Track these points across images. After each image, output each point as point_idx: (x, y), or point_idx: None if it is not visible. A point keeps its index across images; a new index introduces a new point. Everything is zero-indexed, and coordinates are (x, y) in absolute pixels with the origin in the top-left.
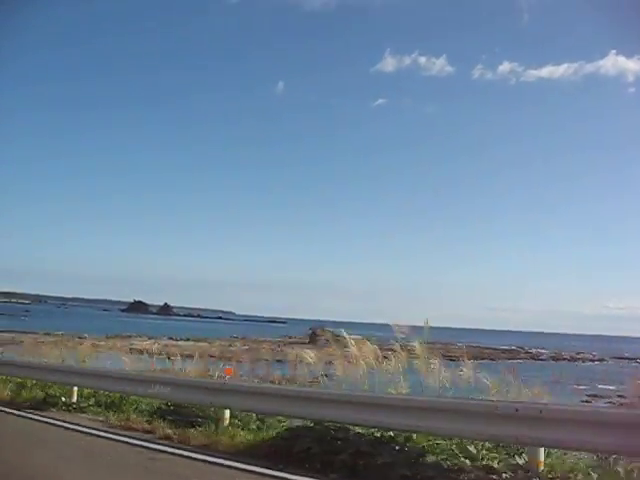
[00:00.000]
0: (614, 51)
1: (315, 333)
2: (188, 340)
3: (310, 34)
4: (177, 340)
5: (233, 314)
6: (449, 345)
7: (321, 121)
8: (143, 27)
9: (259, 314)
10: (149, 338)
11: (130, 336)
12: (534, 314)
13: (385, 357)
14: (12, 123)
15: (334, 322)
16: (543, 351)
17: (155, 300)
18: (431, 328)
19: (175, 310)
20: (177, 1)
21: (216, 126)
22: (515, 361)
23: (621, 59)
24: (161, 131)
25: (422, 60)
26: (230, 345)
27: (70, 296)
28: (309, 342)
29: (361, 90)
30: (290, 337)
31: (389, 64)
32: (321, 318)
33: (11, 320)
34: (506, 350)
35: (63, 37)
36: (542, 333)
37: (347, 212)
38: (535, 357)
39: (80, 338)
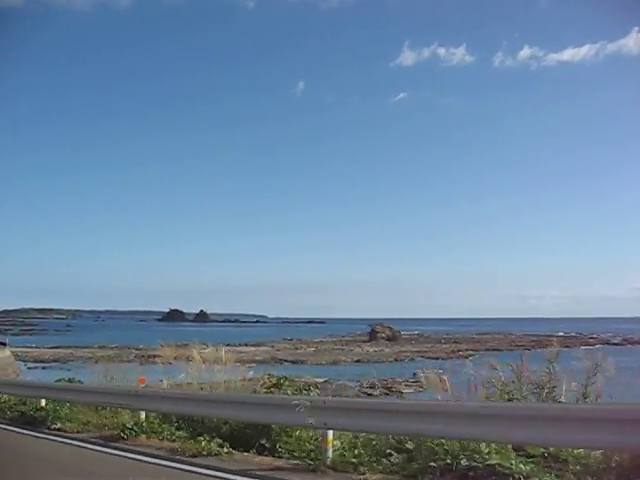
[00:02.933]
0: (637, 28)
1: (375, 330)
2: (246, 345)
3: (328, 33)
4: (236, 346)
5: (266, 317)
6: (507, 335)
7: (343, 119)
8: (163, 34)
9: (291, 316)
10: (207, 346)
11: (186, 345)
12: (562, 300)
13: None
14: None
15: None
16: (609, 336)
17: (190, 308)
18: (464, 319)
19: (211, 317)
20: (196, 9)
21: (240, 131)
22: (596, 347)
23: None
24: (190, 139)
25: (441, 51)
26: (296, 348)
27: (104, 309)
28: (369, 340)
29: (381, 85)
30: (343, 336)
31: (408, 57)
32: (355, 316)
33: (60, 336)
34: (570, 337)
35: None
36: (574, 318)
37: (375, 210)
38: (609, 342)
39: (137, 349)
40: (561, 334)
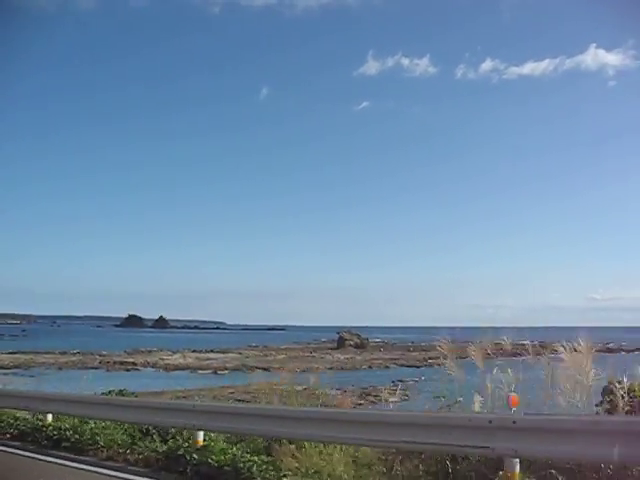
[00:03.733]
0: (594, 45)
1: (343, 337)
2: (212, 352)
3: (293, 41)
4: (202, 352)
5: (225, 324)
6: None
7: (306, 126)
8: (127, 43)
9: (250, 322)
10: (173, 352)
11: (151, 351)
12: (518, 310)
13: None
14: None
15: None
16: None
17: (148, 314)
18: (424, 328)
19: (170, 323)
20: (160, 15)
21: (201, 138)
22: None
23: (601, 52)
24: (144, 146)
25: (405, 62)
26: (265, 355)
27: (59, 314)
28: (338, 347)
29: (345, 94)
30: (309, 343)
31: (372, 67)
32: (316, 324)
33: (17, 341)
34: (536, 345)
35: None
36: (531, 327)
37: (336, 218)
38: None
39: (100, 356)
40: (527, 342)
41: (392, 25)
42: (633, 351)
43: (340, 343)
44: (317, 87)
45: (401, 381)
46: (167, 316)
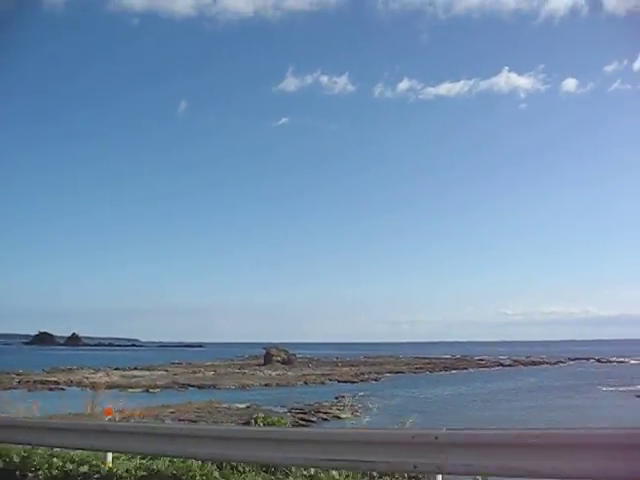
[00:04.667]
0: (507, 68)
1: (270, 353)
2: (137, 369)
3: (213, 55)
4: (125, 370)
5: (139, 341)
6: (397, 358)
7: (225, 142)
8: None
9: (164, 339)
10: (95, 370)
11: (72, 369)
12: (432, 325)
13: None
14: None
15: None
16: (498, 358)
17: (59, 331)
18: (338, 344)
19: (84, 340)
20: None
21: (117, 156)
22: (495, 369)
23: (513, 76)
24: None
25: (324, 79)
26: (194, 372)
27: None
28: (265, 363)
29: (264, 109)
30: (232, 360)
31: (291, 84)
32: (232, 340)
33: None
34: (459, 359)
35: None
36: (444, 342)
37: (255, 235)
38: (502, 364)
39: (18, 375)
40: (448, 356)
41: (312, 42)
42: (556, 363)
43: (267, 359)
44: (237, 102)
45: (343, 397)
46: (79, 333)
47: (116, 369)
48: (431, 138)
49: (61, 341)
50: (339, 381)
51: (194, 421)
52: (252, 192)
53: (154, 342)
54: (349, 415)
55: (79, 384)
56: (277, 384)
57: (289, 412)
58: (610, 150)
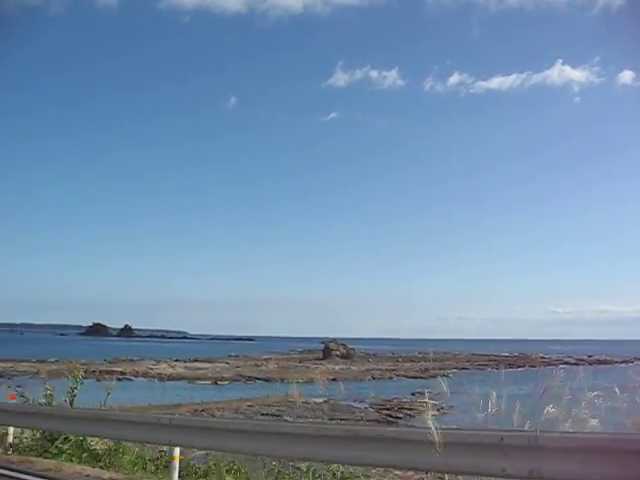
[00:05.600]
0: (560, 61)
1: (329, 347)
2: (197, 361)
3: (263, 51)
4: (186, 362)
5: (187, 333)
6: (450, 354)
7: (274, 136)
8: (96, 52)
9: (212, 333)
10: (157, 362)
11: (133, 360)
12: (480, 322)
13: None
14: None
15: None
16: (561, 356)
17: (109, 322)
18: (382, 340)
19: (135, 332)
20: (129, 22)
21: (170, 147)
22: (561, 367)
23: (567, 69)
24: (112, 156)
25: (374, 74)
26: (256, 365)
27: (20, 322)
28: (323, 357)
29: (313, 105)
30: (288, 353)
31: (341, 79)
32: (280, 334)
33: None
34: (520, 357)
35: None
36: (493, 340)
37: (300, 229)
38: (568, 362)
39: (83, 365)
40: (506, 354)
41: (361, 37)
42: (623, 362)
43: (326, 353)
44: (286, 97)
45: (421, 393)
46: (130, 325)
47: (176, 361)
48: (483, 132)
49: (114, 332)
50: (407, 377)
51: (277, 415)
52: (304, 185)
53: (203, 335)
54: (435, 412)
55: (145, 375)
56: (345, 378)
57: (371, 408)
58: None
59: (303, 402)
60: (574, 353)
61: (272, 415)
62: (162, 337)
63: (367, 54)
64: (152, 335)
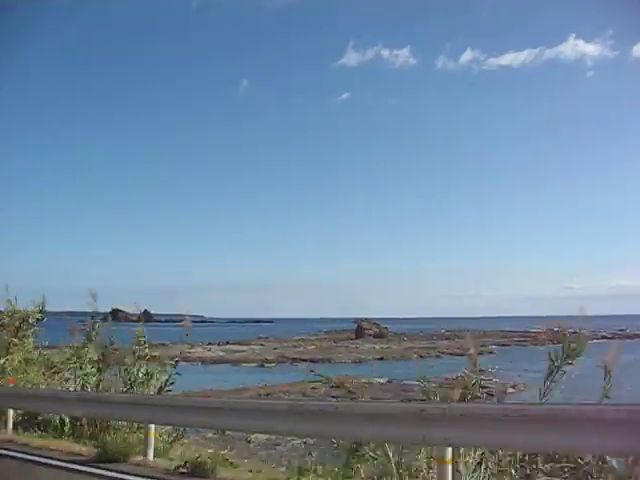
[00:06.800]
0: (573, 35)
1: (362, 327)
2: (229, 344)
3: (273, 32)
4: (218, 345)
5: (203, 317)
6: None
7: (287, 118)
8: (106, 41)
9: (229, 316)
10: (191, 345)
11: (165, 344)
12: (493, 299)
13: None
14: None
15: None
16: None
17: (128, 308)
18: (405, 319)
19: (154, 317)
20: (138, 7)
21: (184, 133)
22: (598, 341)
23: (580, 43)
24: (129, 143)
25: (385, 53)
26: (294, 346)
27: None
28: (356, 337)
29: (325, 85)
30: (317, 333)
31: (352, 58)
32: (298, 316)
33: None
34: (554, 332)
35: None
36: (506, 317)
37: (315, 210)
38: (605, 336)
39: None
40: (538, 329)
41: (372, 16)
42: None
43: (359, 333)
44: (297, 79)
45: (482, 370)
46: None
47: (209, 344)
48: (498, 110)
49: (133, 318)
50: (453, 354)
51: (353, 398)
52: (320, 166)
53: (219, 318)
54: (513, 390)
55: (186, 359)
56: (393, 357)
57: (440, 387)
58: None
59: (367, 382)
60: (601, 328)
61: (343, 397)
62: (180, 321)
63: (379, 33)
64: (170, 319)
